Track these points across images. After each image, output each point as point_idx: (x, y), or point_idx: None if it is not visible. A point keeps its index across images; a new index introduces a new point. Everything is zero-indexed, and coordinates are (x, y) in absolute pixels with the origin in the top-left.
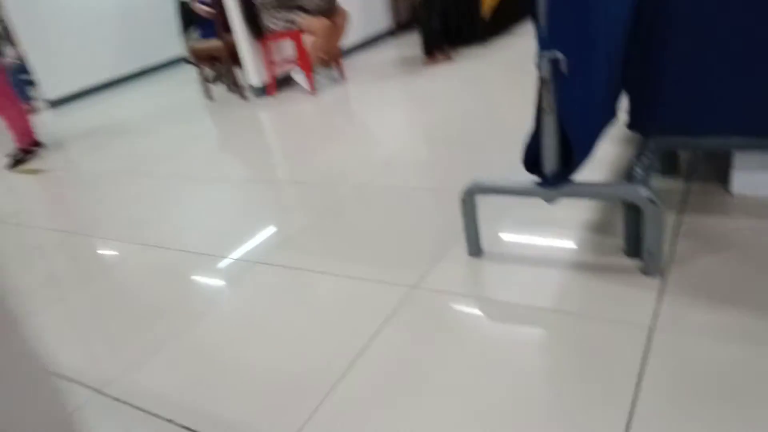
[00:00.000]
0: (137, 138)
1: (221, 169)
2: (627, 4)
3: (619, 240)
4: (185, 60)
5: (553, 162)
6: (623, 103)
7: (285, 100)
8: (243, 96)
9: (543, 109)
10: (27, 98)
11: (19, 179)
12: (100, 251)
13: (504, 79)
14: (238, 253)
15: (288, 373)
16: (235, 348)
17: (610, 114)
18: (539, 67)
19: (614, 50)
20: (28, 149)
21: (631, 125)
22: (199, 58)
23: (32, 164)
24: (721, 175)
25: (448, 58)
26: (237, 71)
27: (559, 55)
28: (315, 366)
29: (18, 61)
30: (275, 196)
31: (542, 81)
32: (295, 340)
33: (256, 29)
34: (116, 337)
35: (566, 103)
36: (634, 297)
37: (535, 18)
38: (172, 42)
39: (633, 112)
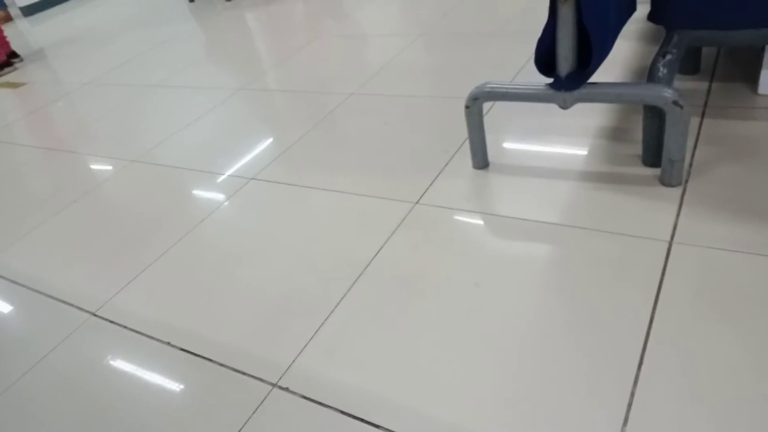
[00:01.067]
0: (118, 45)
1: (207, 77)
2: None
3: (636, 147)
4: None
5: (569, 61)
6: None
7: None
8: None
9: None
10: (2, 4)
11: (2, 94)
12: (86, 167)
13: None
14: (230, 168)
15: (287, 293)
16: (230, 267)
17: (631, 5)
18: None
19: None
20: (5, 62)
21: (653, 16)
22: None
23: (10, 77)
24: (749, 76)
25: None
26: None
27: None
28: (314, 286)
29: None
30: (265, 106)
31: None
32: (293, 259)
33: None
34: (107, 258)
35: None
36: (652, 209)
37: None
38: None
39: (654, 2)
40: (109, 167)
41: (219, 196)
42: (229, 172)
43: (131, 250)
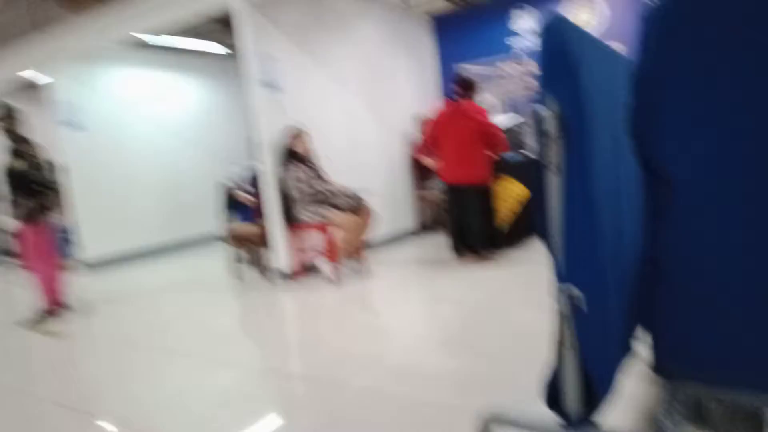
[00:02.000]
0: (160, 308)
1: (231, 352)
2: (637, 232)
3: None
4: (221, 239)
5: (575, 401)
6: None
7: (308, 287)
8: (269, 280)
9: (563, 344)
10: (65, 256)
11: (36, 339)
12: None
13: (527, 293)
14: None
15: None
16: None
17: (628, 348)
18: (557, 301)
19: (628, 279)
20: (51, 310)
21: (654, 368)
22: (235, 240)
23: (54, 325)
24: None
25: (487, 259)
26: (266, 255)
27: (577, 292)
28: None
29: (65, 223)
30: (277, 392)
31: (561, 315)
32: None
33: (289, 218)
34: None
35: (586, 340)
36: None
37: (550, 250)
38: (210, 219)
39: (655, 353)
40: None
41: None
42: None
43: None
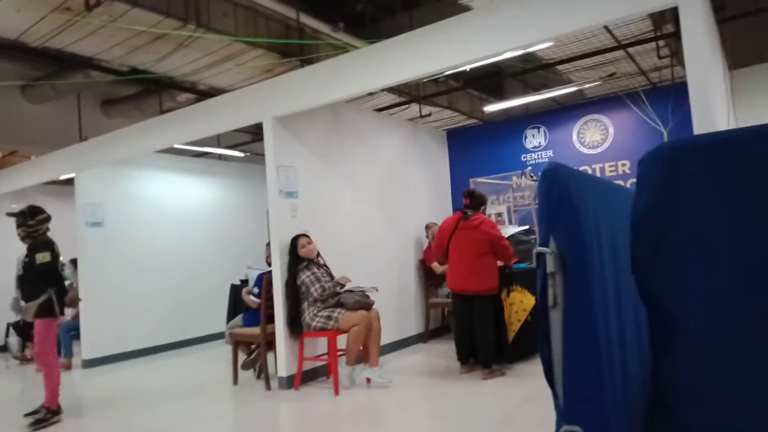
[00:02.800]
0: (153, 413)
1: None
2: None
3: None
4: (225, 341)
5: None
6: None
7: (307, 396)
8: (268, 386)
9: None
10: (70, 353)
11: None
12: None
13: (537, 413)
14: None
15: None
16: None
17: None
18: None
19: (635, 414)
20: (55, 411)
21: None
22: (238, 343)
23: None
24: None
25: (495, 373)
26: (268, 359)
27: (578, 430)
28: None
29: (73, 319)
30: None
31: None
32: None
33: (296, 326)
34: None
35: None
36: None
37: (552, 388)
38: (213, 318)
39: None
40: None
41: None
42: None
43: None
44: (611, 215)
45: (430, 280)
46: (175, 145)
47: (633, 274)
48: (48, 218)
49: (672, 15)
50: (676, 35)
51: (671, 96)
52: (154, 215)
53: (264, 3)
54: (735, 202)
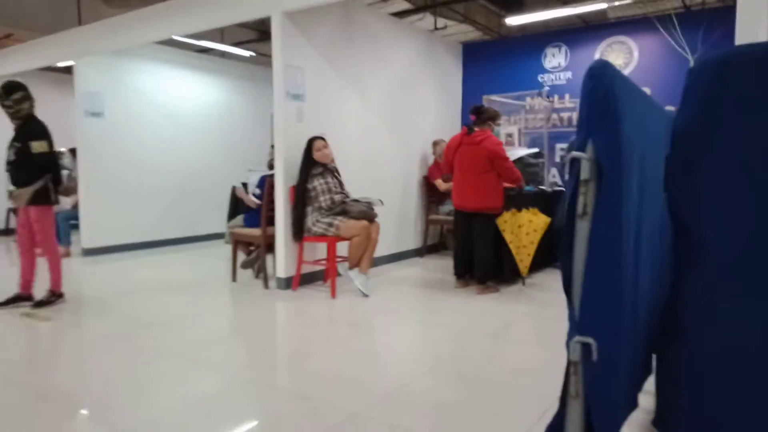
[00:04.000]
0: (152, 303)
1: (218, 357)
2: (662, 283)
3: None
4: (225, 240)
5: None
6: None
7: (305, 297)
8: (266, 285)
9: (570, 394)
10: (69, 242)
11: (26, 324)
12: (66, 429)
13: (525, 328)
14: None
15: None
16: None
17: (634, 403)
18: (569, 349)
19: (642, 332)
20: (59, 294)
21: (657, 423)
22: (238, 242)
23: (43, 312)
24: None
25: (490, 289)
26: (268, 260)
27: (591, 341)
28: None
29: (73, 208)
30: (262, 407)
31: (571, 364)
32: None
33: (299, 230)
34: None
35: (594, 390)
36: None
37: (569, 299)
38: (215, 219)
39: (659, 408)
40: None
41: None
42: None
43: None
44: (647, 130)
45: (432, 196)
46: (177, 38)
47: (665, 191)
48: (27, 96)
49: None
50: None
51: (703, 23)
52: (156, 110)
53: None
54: None
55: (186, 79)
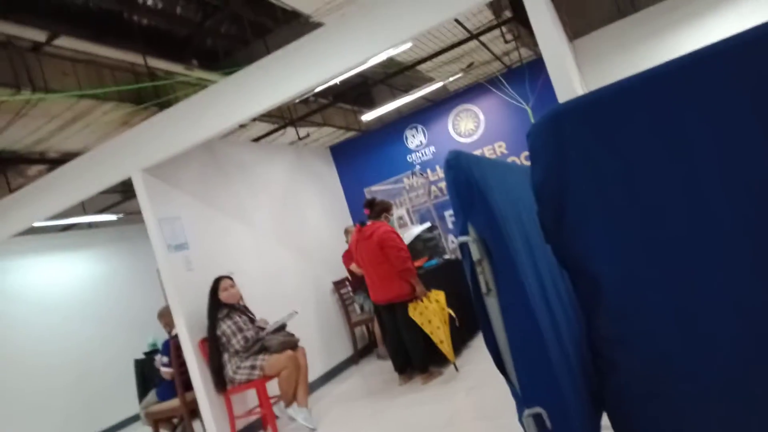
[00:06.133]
0: None
1: None
2: (578, 322)
3: None
4: (142, 422)
5: None
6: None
7: None
8: None
9: None
10: None
11: None
12: None
13: (483, 405)
14: None
15: None
16: None
17: None
18: (524, 425)
19: (582, 373)
20: None
21: None
22: (157, 421)
23: None
24: None
25: (432, 374)
26: (197, 428)
27: (541, 411)
28: None
29: None
30: None
31: None
32: None
33: (220, 380)
34: None
35: None
36: None
37: (505, 376)
38: (127, 400)
39: None
40: None
41: None
42: None
43: None
44: (513, 193)
45: (348, 299)
46: (35, 224)
47: (547, 243)
48: None
49: (508, 2)
50: (515, 19)
51: (525, 75)
52: (28, 307)
53: (106, 54)
54: (622, 154)
55: (54, 262)
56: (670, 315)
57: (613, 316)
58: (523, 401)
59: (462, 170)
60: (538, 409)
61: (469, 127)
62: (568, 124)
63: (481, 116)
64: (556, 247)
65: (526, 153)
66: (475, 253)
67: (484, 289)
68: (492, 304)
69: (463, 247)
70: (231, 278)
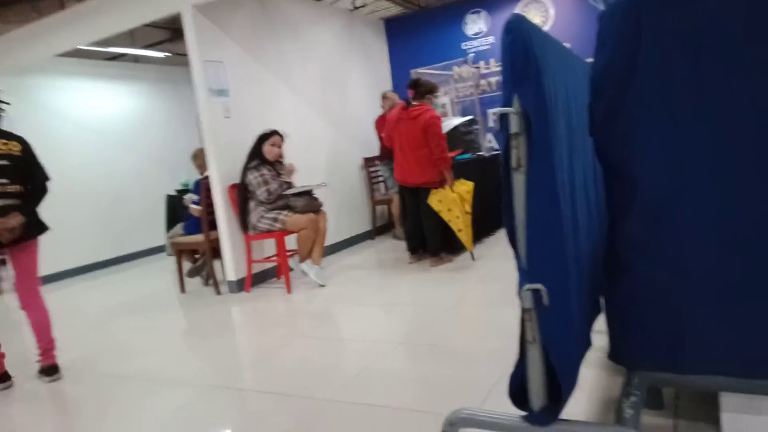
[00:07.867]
0: (101, 328)
1: (183, 371)
2: (599, 226)
3: None
4: (166, 252)
5: (540, 396)
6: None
7: (259, 296)
8: (218, 290)
9: (527, 340)
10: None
11: None
12: None
13: (485, 291)
14: None
15: None
16: None
17: (588, 341)
18: (521, 298)
19: (586, 273)
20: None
21: (613, 356)
22: (181, 252)
23: None
24: (711, 414)
25: (443, 260)
26: (216, 266)
27: (541, 287)
28: None
29: None
30: (236, 410)
31: (525, 311)
32: None
33: (245, 227)
34: None
35: (550, 333)
36: None
37: (515, 250)
38: (155, 231)
39: (613, 343)
40: None
41: None
42: None
43: None
44: (567, 79)
45: (375, 177)
46: (84, 47)
47: (591, 136)
48: None
49: None
50: None
51: None
52: (72, 126)
53: None
54: (700, 63)
55: (101, 89)
56: (712, 231)
57: (646, 220)
58: (526, 275)
59: (522, 36)
60: (538, 285)
61: (536, 21)
62: (646, 11)
63: (552, 11)
64: (600, 140)
65: (591, 60)
66: (514, 125)
67: (514, 163)
68: (518, 180)
69: (503, 119)
70: (282, 138)
